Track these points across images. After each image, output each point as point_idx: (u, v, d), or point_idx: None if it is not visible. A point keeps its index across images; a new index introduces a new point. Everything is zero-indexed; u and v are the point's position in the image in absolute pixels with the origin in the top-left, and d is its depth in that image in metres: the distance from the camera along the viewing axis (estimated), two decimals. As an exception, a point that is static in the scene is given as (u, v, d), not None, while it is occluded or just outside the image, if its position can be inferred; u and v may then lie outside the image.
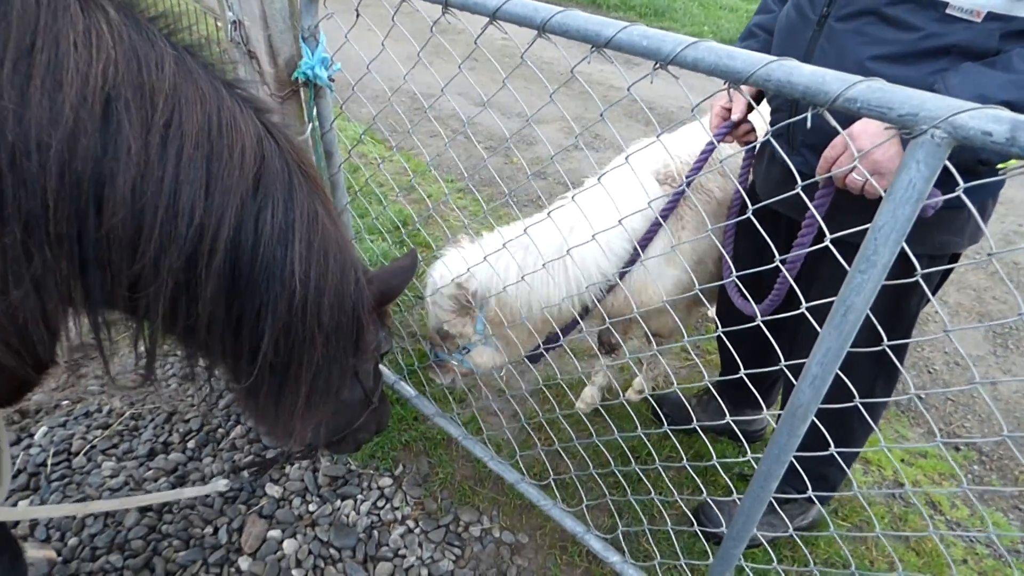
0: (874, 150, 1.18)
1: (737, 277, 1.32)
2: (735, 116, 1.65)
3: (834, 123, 0.87)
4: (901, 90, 0.80)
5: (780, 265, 1.11)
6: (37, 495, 2.29)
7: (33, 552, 2.01)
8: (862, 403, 1.12)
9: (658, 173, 2.07)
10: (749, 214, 1.11)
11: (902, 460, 2.19)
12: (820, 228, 1.01)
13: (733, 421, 1.38)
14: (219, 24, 3.56)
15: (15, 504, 2.25)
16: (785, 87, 0.88)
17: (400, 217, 3.91)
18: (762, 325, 1.16)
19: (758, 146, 1.74)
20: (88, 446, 2.54)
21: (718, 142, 1.63)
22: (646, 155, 2.06)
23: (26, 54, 0.85)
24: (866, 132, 1.20)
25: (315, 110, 1.85)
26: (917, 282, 0.94)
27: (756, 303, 1.32)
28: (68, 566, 2.07)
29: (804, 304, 1.06)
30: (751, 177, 1.83)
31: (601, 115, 1.20)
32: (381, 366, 2.63)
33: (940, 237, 1.46)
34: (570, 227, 1.89)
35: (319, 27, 1.72)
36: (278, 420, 1.37)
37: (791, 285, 1.26)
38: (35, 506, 1.36)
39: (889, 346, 1.03)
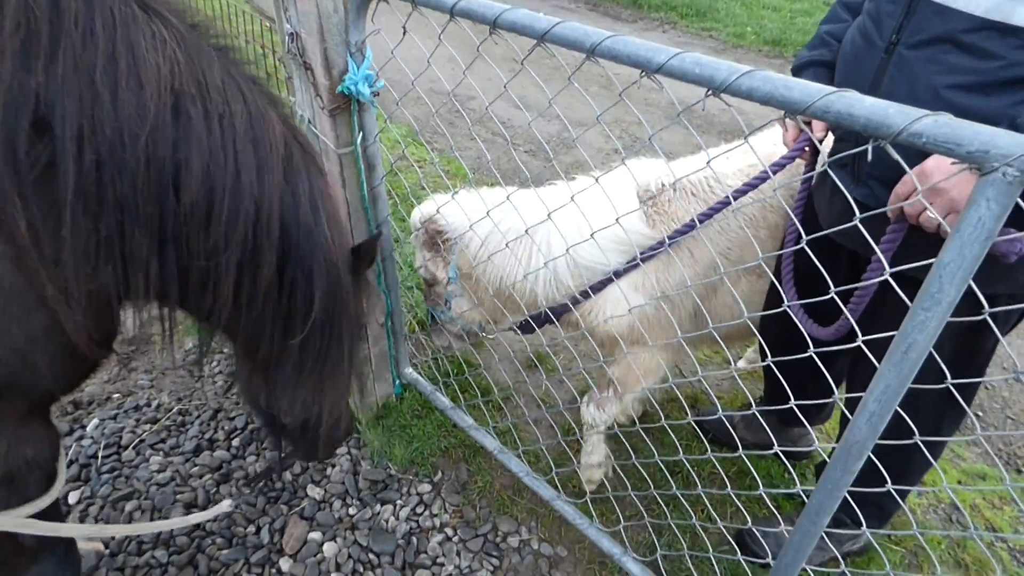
0: (950, 188, 1.12)
1: (793, 305, 1.28)
2: (818, 133, 1.54)
3: (897, 157, 0.84)
4: (970, 125, 0.76)
5: (836, 297, 1.08)
6: (88, 486, 2.39)
7: (83, 545, 2.09)
8: (926, 440, 1.08)
9: (641, 189, 1.96)
10: (804, 243, 1.08)
11: (959, 482, 2.10)
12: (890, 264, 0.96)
13: (781, 439, 1.33)
14: (270, 27, 3.63)
15: (67, 493, 2.35)
16: (845, 119, 0.85)
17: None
18: (815, 357, 1.13)
19: (816, 175, 1.66)
20: (137, 440, 2.64)
21: (793, 158, 1.54)
22: (643, 166, 2.03)
23: (111, 59, 1.00)
24: (940, 168, 1.13)
25: (357, 124, 1.86)
26: (995, 320, 0.90)
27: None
28: (115, 559, 2.15)
29: (860, 338, 1.03)
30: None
31: (649, 139, 1.18)
32: (416, 375, 2.66)
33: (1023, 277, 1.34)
34: (547, 208, 1.79)
35: (366, 43, 1.74)
36: (324, 381, 1.52)
37: (857, 315, 1.21)
38: (58, 523, 1.47)
39: (960, 385, 0.99)
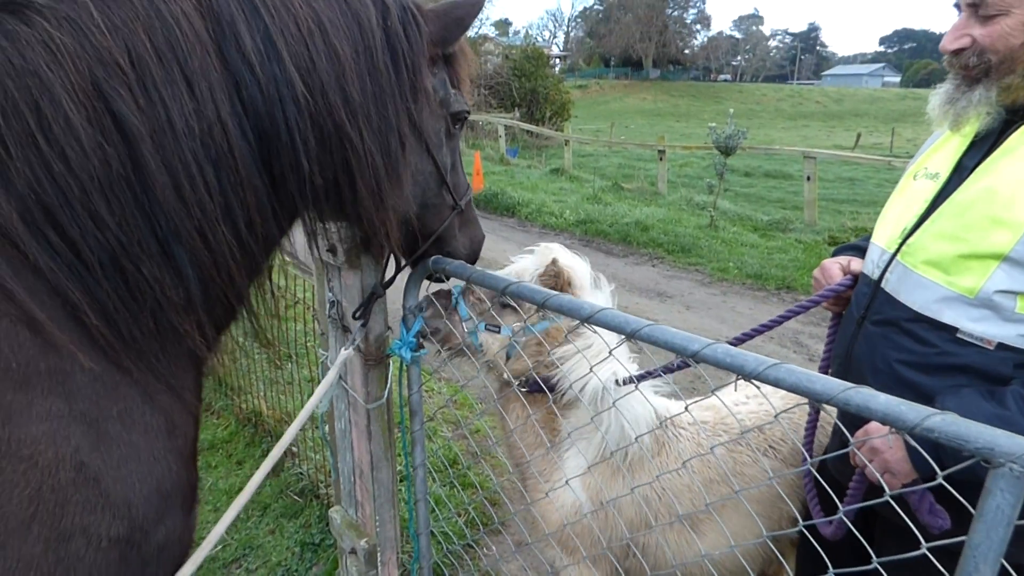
0: (885, 451, 1.36)
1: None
2: (855, 267, 1.76)
3: (915, 444, 0.99)
4: (974, 425, 0.92)
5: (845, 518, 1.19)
6: None
7: None
8: None
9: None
10: (809, 465, 1.18)
11: None
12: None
13: None
14: (295, 275, 3.99)
15: None
16: (864, 411, 1.01)
17: (448, 456, 3.95)
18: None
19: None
20: None
21: (832, 297, 1.78)
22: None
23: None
24: (873, 430, 1.35)
25: (406, 376, 2.04)
26: None
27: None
28: None
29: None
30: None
31: (687, 407, 1.33)
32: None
33: None
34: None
35: (417, 308, 1.97)
36: (365, 215, 1.37)
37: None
38: None
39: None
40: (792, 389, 1.09)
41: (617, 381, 1.85)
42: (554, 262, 1.96)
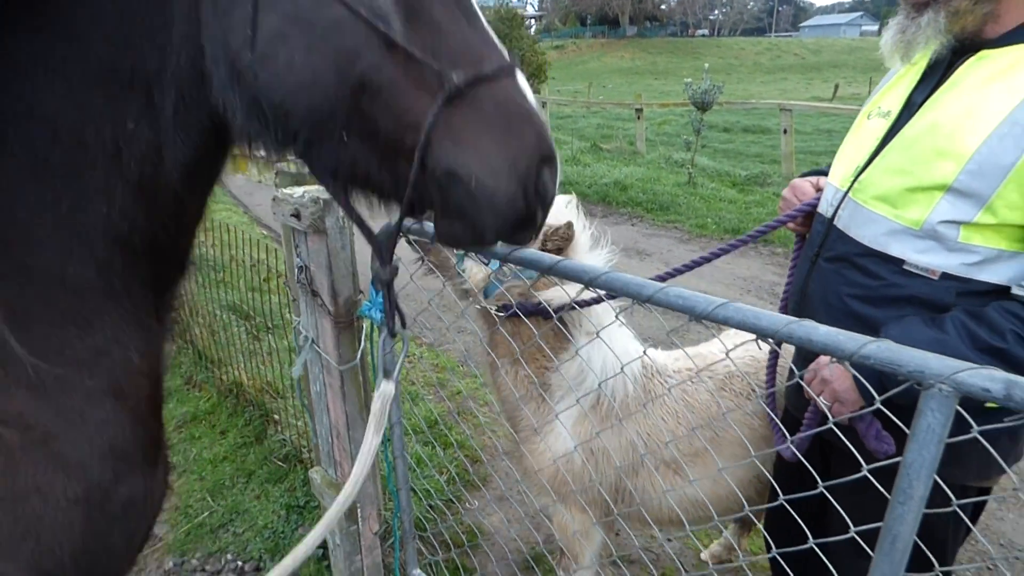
0: (834, 381, 1.41)
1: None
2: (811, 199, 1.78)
3: (854, 373, 1.03)
4: (906, 350, 0.95)
5: (790, 445, 1.22)
6: None
7: None
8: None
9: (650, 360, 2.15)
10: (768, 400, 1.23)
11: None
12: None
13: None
14: (275, 248, 3.98)
15: None
16: (806, 343, 1.05)
17: (429, 418, 4.01)
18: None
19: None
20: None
21: (801, 215, 1.81)
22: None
23: None
24: (821, 362, 1.41)
25: (377, 336, 2.06)
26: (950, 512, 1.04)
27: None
28: None
29: (853, 529, 1.14)
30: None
31: (644, 352, 1.37)
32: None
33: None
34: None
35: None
36: None
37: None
38: None
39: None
40: (740, 326, 1.12)
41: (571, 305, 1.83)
42: (569, 226, 1.95)
